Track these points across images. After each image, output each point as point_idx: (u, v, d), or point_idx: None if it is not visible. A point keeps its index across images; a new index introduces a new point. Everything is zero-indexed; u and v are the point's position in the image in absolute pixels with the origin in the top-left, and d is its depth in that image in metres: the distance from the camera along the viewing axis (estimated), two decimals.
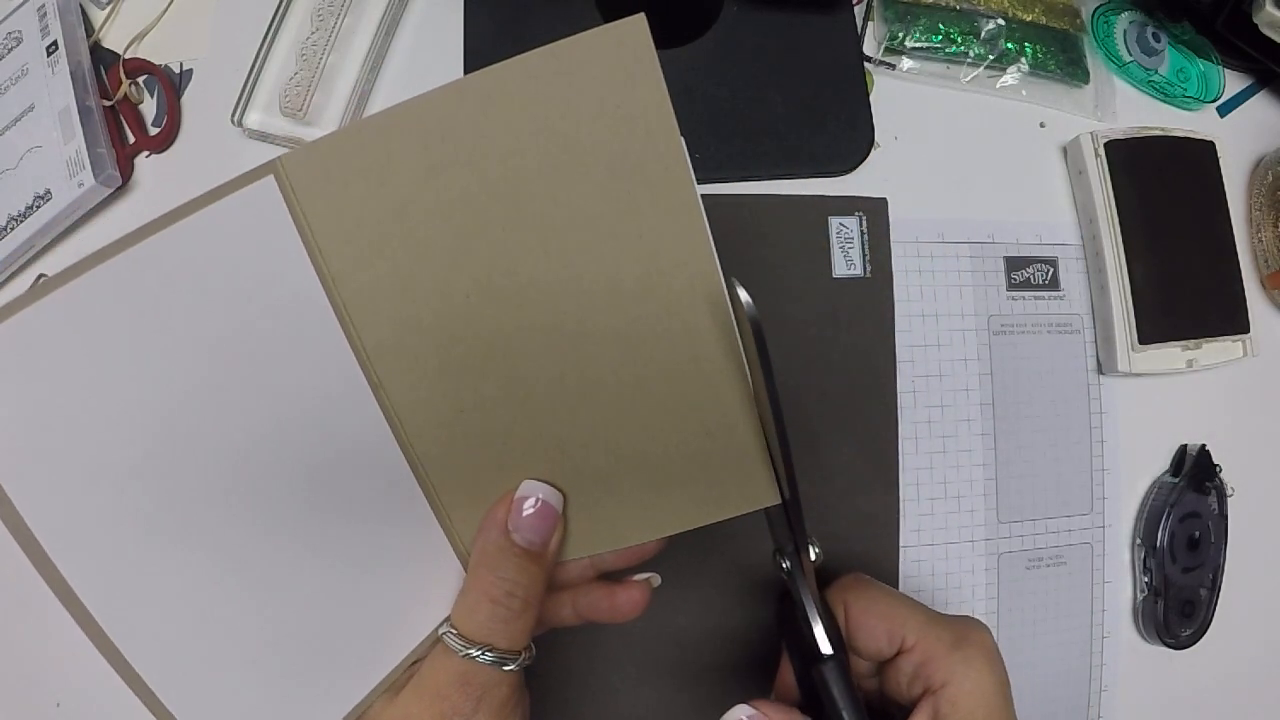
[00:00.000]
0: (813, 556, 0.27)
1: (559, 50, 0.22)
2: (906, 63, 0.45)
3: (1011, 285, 0.44)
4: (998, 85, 0.45)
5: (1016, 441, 0.43)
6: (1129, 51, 0.47)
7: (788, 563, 0.27)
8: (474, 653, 0.24)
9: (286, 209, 0.23)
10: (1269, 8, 0.41)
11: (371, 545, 0.25)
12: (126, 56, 0.46)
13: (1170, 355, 0.42)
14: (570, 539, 0.26)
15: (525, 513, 0.25)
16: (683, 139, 0.22)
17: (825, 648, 0.27)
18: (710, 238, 0.23)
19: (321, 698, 0.24)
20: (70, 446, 0.20)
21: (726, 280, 0.23)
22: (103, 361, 0.20)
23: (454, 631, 0.25)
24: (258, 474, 0.23)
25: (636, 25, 0.21)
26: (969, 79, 0.45)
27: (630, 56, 0.21)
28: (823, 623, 0.27)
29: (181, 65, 0.47)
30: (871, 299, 0.43)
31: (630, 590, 0.29)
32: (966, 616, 0.29)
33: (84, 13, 0.47)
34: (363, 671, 0.25)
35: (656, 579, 0.30)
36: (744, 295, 0.21)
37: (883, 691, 0.30)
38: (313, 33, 0.44)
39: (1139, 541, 0.43)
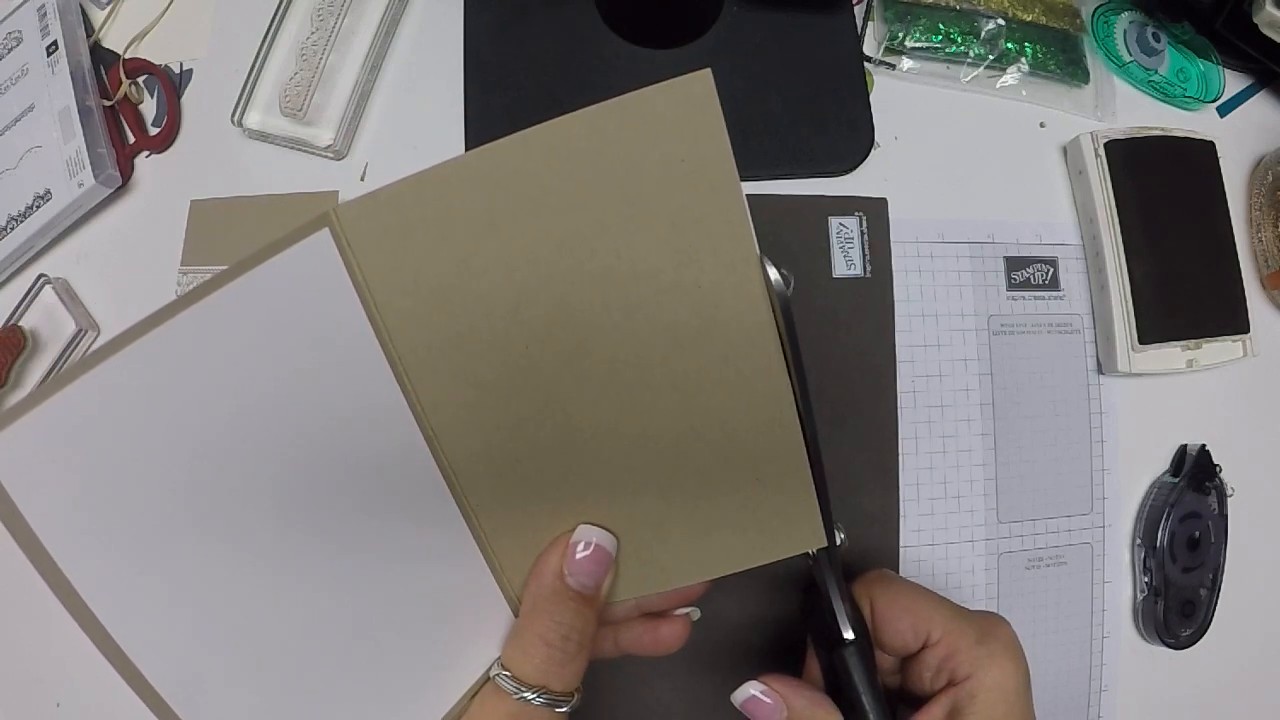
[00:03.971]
0: (838, 541, 0.27)
1: (625, 104, 0.21)
2: (906, 63, 0.45)
3: (1011, 285, 0.44)
4: (998, 85, 0.45)
5: (1016, 441, 0.43)
6: (1129, 51, 0.47)
7: (813, 549, 0.27)
8: (528, 695, 0.24)
9: (342, 262, 0.22)
10: (1269, 8, 0.41)
11: (421, 590, 0.25)
12: (126, 56, 0.46)
13: (1170, 355, 0.42)
14: (620, 581, 0.27)
15: (579, 556, 0.25)
16: (745, 199, 0.22)
17: (847, 632, 0.27)
18: (766, 292, 0.23)
19: None
20: (120, 494, 0.20)
21: (760, 257, 0.23)
22: (160, 414, 0.21)
23: (507, 673, 0.25)
24: (314, 521, 0.23)
25: (703, 80, 0.21)
26: (969, 79, 0.45)
27: (696, 110, 0.21)
28: (846, 609, 0.27)
29: (181, 65, 0.47)
30: (871, 299, 0.43)
31: (672, 625, 0.29)
32: (990, 612, 0.29)
33: (84, 13, 0.47)
34: (417, 714, 0.25)
35: (696, 613, 0.30)
36: (774, 273, 0.22)
37: (903, 687, 0.30)
38: (313, 33, 0.44)
39: (1139, 541, 0.43)
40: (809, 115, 0.44)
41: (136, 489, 0.20)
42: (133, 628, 0.20)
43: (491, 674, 0.25)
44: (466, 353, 0.23)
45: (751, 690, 0.27)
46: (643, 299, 0.23)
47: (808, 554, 0.28)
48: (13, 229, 0.44)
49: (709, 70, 0.21)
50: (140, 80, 0.47)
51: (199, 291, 0.21)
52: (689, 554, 0.26)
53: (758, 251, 0.23)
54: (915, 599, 0.29)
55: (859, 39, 0.45)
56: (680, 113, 0.21)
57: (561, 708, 0.25)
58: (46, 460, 0.19)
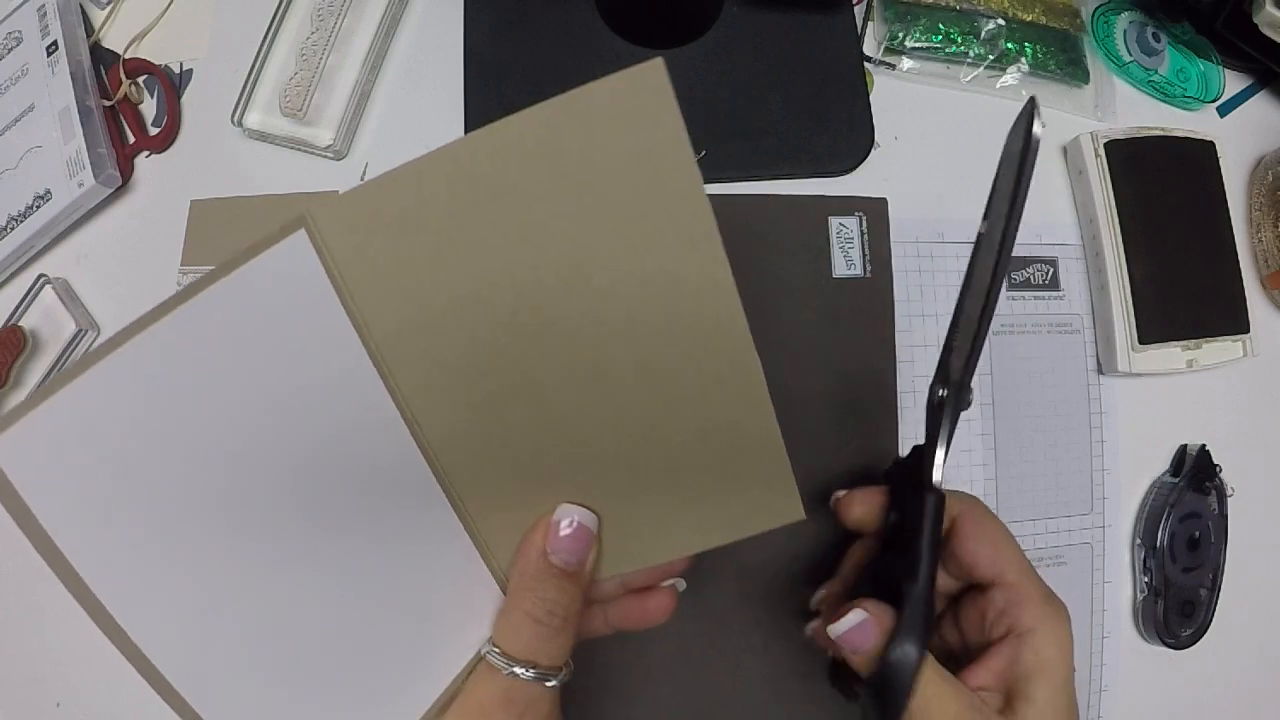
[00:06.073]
0: (971, 399, 0.27)
1: (580, 96, 0.22)
2: (906, 63, 0.45)
3: (1011, 285, 0.44)
4: (998, 85, 0.45)
5: (1016, 441, 0.43)
6: (1129, 51, 0.47)
7: (944, 391, 0.28)
8: (517, 670, 0.25)
9: (319, 261, 0.23)
10: (1269, 8, 0.41)
11: (414, 575, 0.26)
12: (126, 56, 0.46)
13: (1170, 355, 0.42)
14: (604, 558, 0.27)
15: (562, 534, 0.26)
16: (703, 183, 0.23)
17: (938, 475, 0.27)
18: (730, 272, 0.23)
19: None
20: (120, 489, 0.21)
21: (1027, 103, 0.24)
22: (152, 417, 0.21)
23: (497, 650, 0.26)
24: (304, 514, 0.24)
25: (655, 69, 0.21)
26: (969, 79, 0.45)
27: (650, 100, 0.22)
28: (943, 457, 0.27)
29: (181, 65, 0.47)
30: (871, 299, 0.43)
31: (659, 598, 0.30)
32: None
33: (84, 13, 0.47)
34: (414, 695, 0.26)
35: (682, 584, 0.31)
36: (1039, 128, 0.23)
37: (949, 636, 0.30)
38: (313, 33, 0.44)
39: (1139, 541, 0.43)
40: (809, 115, 0.44)
41: (136, 481, 0.21)
42: (137, 613, 0.21)
43: (483, 651, 0.26)
44: (439, 339, 0.24)
45: (857, 616, 0.26)
46: (606, 284, 0.24)
47: (938, 393, 0.28)
48: (13, 229, 0.44)
49: (661, 59, 0.21)
50: (140, 80, 0.47)
51: (185, 294, 0.22)
52: (670, 530, 0.27)
53: (717, 234, 0.23)
54: (1002, 535, 0.29)
55: (859, 39, 0.45)
56: (635, 102, 0.22)
57: (550, 681, 0.25)
58: (50, 457, 0.20)
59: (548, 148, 0.22)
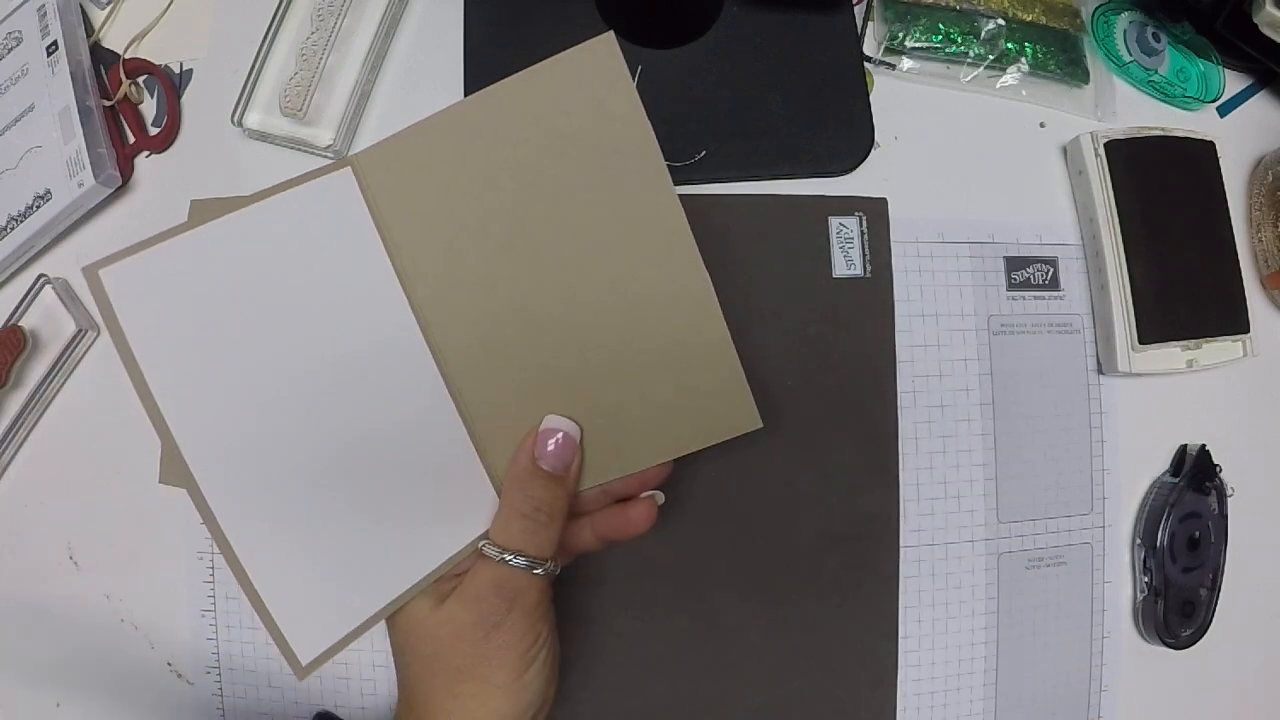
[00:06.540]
0: None
1: (549, 65, 0.28)
2: (906, 63, 0.45)
3: (1011, 285, 0.44)
4: (998, 85, 0.45)
5: (1016, 441, 0.43)
6: (1129, 51, 0.47)
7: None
8: (508, 558, 0.29)
9: (360, 193, 0.29)
10: (1269, 8, 0.41)
11: (427, 478, 0.30)
12: (126, 56, 0.46)
13: (1170, 355, 0.42)
14: (587, 470, 0.31)
15: (548, 442, 0.30)
16: (651, 128, 0.28)
17: None
18: (682, 211, 0.29)
19: (378, 585, 0.30)
20: (197, 335, 0.27)
21: None
22: (227, 287, 0.27)
23: (491, 542, 0.30)
24: (343, 407, 0.28)
25: (607, 41, 0.27)
26: (969, 79, 0.45)
27: (605, 67, 0.27)
28: None
29: (181, 65, 0.47)
30: (871, 299, 0.43)
31: (639, 507, 0.32)
32: None
33: (84, 13, 0.47)
34: (414, 569, 0.30)
35: (660, 496, 0.33)
36: None
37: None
38: (313, 33, 0.44)
39: (1139, 541, 0.43)
40: (809, 115, 0.44)
41: (208, 332, 0.27)
42: (196, 439, 0.26)
43: (479, 546, 0.30)
44: (453, 263, 0.29)
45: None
46: (587, 224, 0.29)
47: None
48: (13, 229, 0.44)
49: (611, 32, 0.27)
50: (140, 80, 0.47)
51: (255, 197, 0.27)
52: (644, 441, 0.31)
53: (669, 180, 0.28)
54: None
55: (859, 39, 0.45)
56: (593, 70, 0.28)
57: (538, 570, 0.29)
58: (145, 292, 0.26)
59: (530, 108, 0.28)
